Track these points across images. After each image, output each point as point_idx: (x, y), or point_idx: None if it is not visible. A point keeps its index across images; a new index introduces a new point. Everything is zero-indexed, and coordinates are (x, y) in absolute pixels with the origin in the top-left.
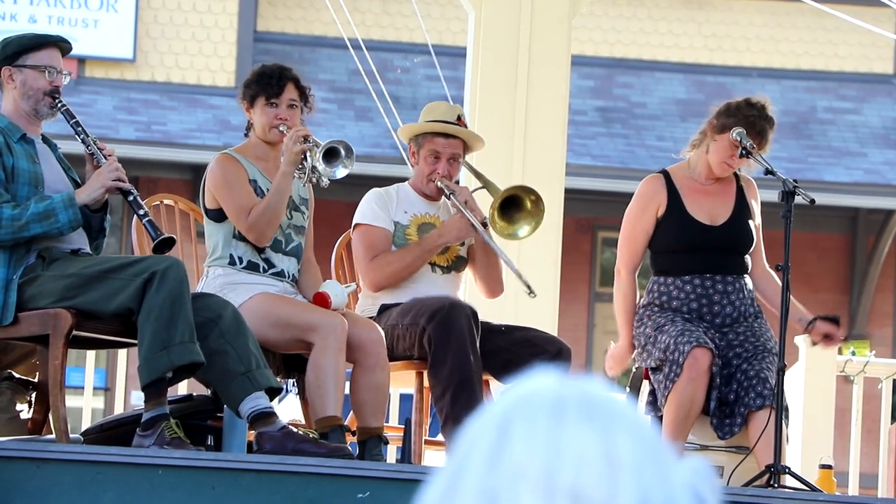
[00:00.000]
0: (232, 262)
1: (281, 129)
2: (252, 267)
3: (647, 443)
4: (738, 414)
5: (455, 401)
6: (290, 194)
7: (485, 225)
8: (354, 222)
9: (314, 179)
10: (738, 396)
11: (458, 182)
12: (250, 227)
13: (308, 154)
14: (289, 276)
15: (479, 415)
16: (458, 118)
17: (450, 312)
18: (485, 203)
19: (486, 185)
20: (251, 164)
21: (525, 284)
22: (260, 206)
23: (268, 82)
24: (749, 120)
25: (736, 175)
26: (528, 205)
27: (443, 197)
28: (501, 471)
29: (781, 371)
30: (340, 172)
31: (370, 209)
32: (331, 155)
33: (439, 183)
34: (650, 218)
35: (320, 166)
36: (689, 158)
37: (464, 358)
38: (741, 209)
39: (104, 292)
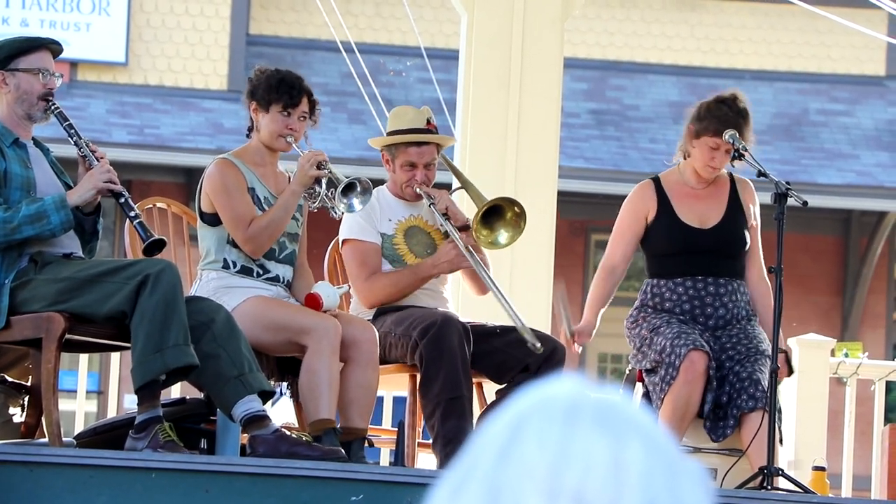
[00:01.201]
0: (226, 266)
1: (289, 139)
2: (246, 271)
3: (661, 454)
4: (730, 416)
5: (445, 419)
6: None
7: (467, 228)
8: (343, 238)
9: (323, 205)
10: (730, 398)
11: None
12: (249, 240)
13: (323, 181)
14: (283, 281)
15: (496, 414)
16: (428, 121)
17: (441, 329)
18: (463, 203)
19: (466, 185)
20: (249, 171)
21: (531, 344)
22: (263, 220)
23: (288, 91)
24: (722, 119)
25: (732, 177)
26: (510, 215)
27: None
28: (509, 469)
29: (774, 373)
30: (357, 206)
31: (356, 223)
32: (347, 189)
33: (419, 190)
34: (638, 223)
35: (341, 205)
36: (680, 164)
37: (454, 376)
38: (734, 211)
39: (97, 296)
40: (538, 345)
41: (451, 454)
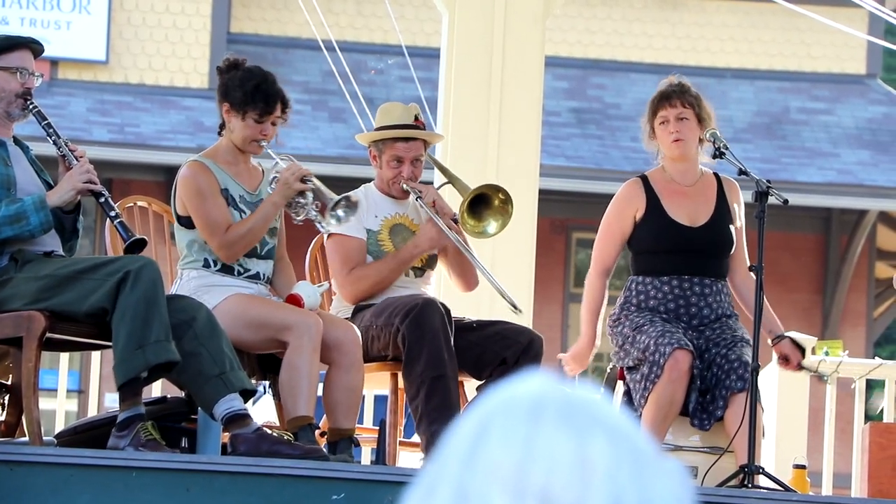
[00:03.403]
0: (206, 265)
1: (261, 143)
2: (226, 270)
3: (627, 448)
4: (718, 397)
5: (429, 398)
6: (262, 197)
7: (455, 221)
8: (328, 232)
9: (308, 218)
10: (718, 380)
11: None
12: (225, 246)
13: (309, 195)
14: (263, 279)
15: (464, 415)
16: (416, 118)
17: (423, 310)
18: (450, 198)
19: (452, 180)
20: (221, 171)
21: (509, 303)
22: (241, 228)
23: (264, 100)
24: (664, 93)
25: (718, 177)
26: (497, 202)
27: (410, 196)
28: (476, 470)
29: (756, 371)
30: (345, 219)
31: None
32: (335, 205)
33: (405, 186)
34: (627, 221)
35: (332, 220)
36: (662, 163)
37: (438, 355)
38: (721, 211)
39: (78, 293)
40: (520, 308)
41: (435, 434)
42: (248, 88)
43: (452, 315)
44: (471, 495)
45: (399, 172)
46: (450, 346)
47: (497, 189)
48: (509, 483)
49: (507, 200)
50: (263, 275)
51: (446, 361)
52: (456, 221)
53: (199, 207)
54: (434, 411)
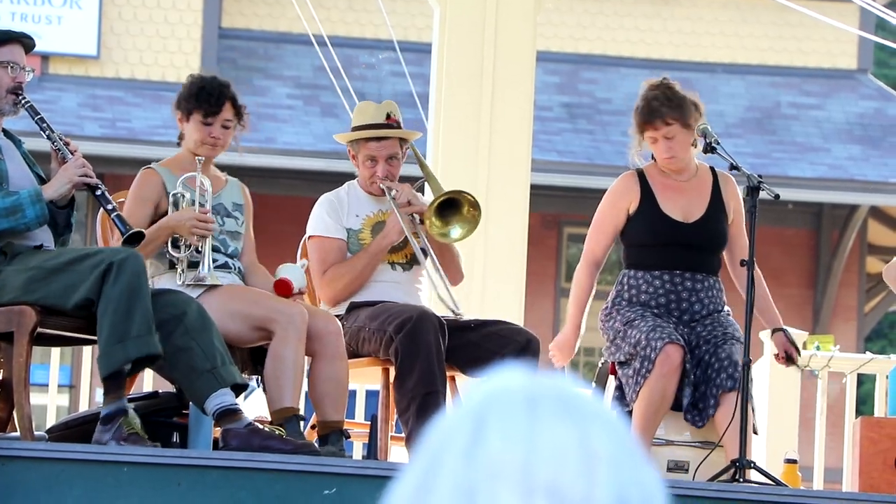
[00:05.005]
0: (172, 267)
1: (214, 146)
2: (193, 265)
3: (622, 438)
4: (710, 396)
5: (420, 414)
6: (222, 201)
7: (422, 221)
8: (308, 233)
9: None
10: (708, 379)
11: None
12: None
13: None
14: (235, 269)
15: (452, 409)
16: (388, 116)
17: (417, 325)
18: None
19: (428, 177)
20: (175, 178)
21: (451, 309)
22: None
23: (206, 100)
24: (651, 110)
25: (714, 171)
26: (466, 210)
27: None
28: (478, 466)
29: (747, 365)
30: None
31: (321, 220)
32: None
33: (381, 184)
34: (620, 214)
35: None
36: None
37: (430, 371)
38: (715, 207)
39: (64, 285)
40: (460, 311)
41: None
42: (193, 90)
43: (448, 314)
44: (476, 494)
45: (374, 172)
46: (442, 362)
47: (468, 197)
48: (516, 479)
49: (477, 210)
50: (234, 266)
51: (438, 378)
52: (422, 221)
53: (126, 212)
54: (424, 428)
